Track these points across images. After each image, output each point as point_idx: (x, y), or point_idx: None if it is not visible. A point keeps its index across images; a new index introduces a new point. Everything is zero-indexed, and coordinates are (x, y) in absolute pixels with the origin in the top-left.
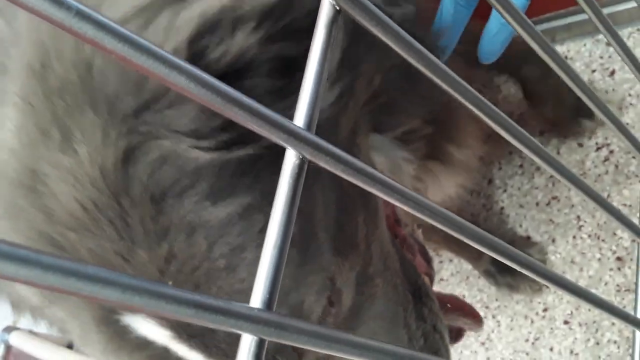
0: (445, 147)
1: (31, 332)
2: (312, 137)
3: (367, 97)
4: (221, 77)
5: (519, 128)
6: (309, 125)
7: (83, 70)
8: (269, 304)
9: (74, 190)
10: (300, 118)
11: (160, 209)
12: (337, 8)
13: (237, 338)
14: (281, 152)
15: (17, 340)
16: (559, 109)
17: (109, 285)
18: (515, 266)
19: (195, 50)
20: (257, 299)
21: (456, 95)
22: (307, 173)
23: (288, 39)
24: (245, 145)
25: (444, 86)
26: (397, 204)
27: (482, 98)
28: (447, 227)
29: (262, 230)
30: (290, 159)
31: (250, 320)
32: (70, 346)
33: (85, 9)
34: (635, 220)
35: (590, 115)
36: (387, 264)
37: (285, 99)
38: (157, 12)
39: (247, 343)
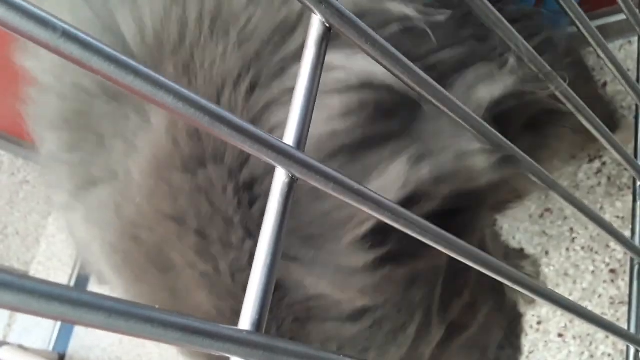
0: None
1: (21, 347)
2: (302, 155)
3: None
4: None
5: (509, 143)
6: (298, 144)
7: None
8: (258, 325)
9: (208, 294)
10: (289, 136)
11: (302, 327)
12: (327, 25)
13: None
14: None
15: (6, 355)
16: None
17: (93, 309)
18: (508, 283)
19: None
20: (245, 321)
21: (440, 106)
22: None
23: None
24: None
25: (435, 102)
26: (387, 221)
27: (469, 110)
28: (437, 244)
29: (388, 332)
30: (280, 178)
31: (239, 343)
32: None
33: (71, 29)
34: (627, 233)
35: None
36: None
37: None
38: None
39: None
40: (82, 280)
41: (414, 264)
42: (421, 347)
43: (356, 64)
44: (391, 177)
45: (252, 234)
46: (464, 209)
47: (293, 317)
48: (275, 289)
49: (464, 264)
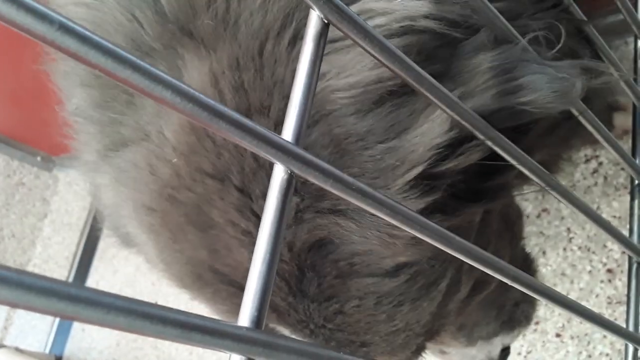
0: None
1: (17, 349)
2: (301, 151)
3: None
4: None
5: (507, 140)
6: (297, 140)
7: None
8: (257, 322)
9: (250, 252)
10: (288, 132)
11: (343, 283)
12: (325, 21)
13: None
14: None
15: (3, 357)
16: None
17: (92, 305)
18: (507, 280)
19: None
20: (245, 318)
21: (440, 105)
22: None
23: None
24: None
25: (431, 97)
26: (386, 218)
27: (467, 108)
28: (436, 241)
29: (421, 287)
30: (279, 174)
31: (238, 339)
32: None
33: (68, 22)
34: (625, 232)
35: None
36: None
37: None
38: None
39: None
40: (91, 243)
41: (454, 218)
42: (450, 304)
43: (396, 7)
44: (438, 121)
45: (297, 189)
46: (504, 169)
47: (336, 274)
48: (320, 247)
49: (489, 222)
